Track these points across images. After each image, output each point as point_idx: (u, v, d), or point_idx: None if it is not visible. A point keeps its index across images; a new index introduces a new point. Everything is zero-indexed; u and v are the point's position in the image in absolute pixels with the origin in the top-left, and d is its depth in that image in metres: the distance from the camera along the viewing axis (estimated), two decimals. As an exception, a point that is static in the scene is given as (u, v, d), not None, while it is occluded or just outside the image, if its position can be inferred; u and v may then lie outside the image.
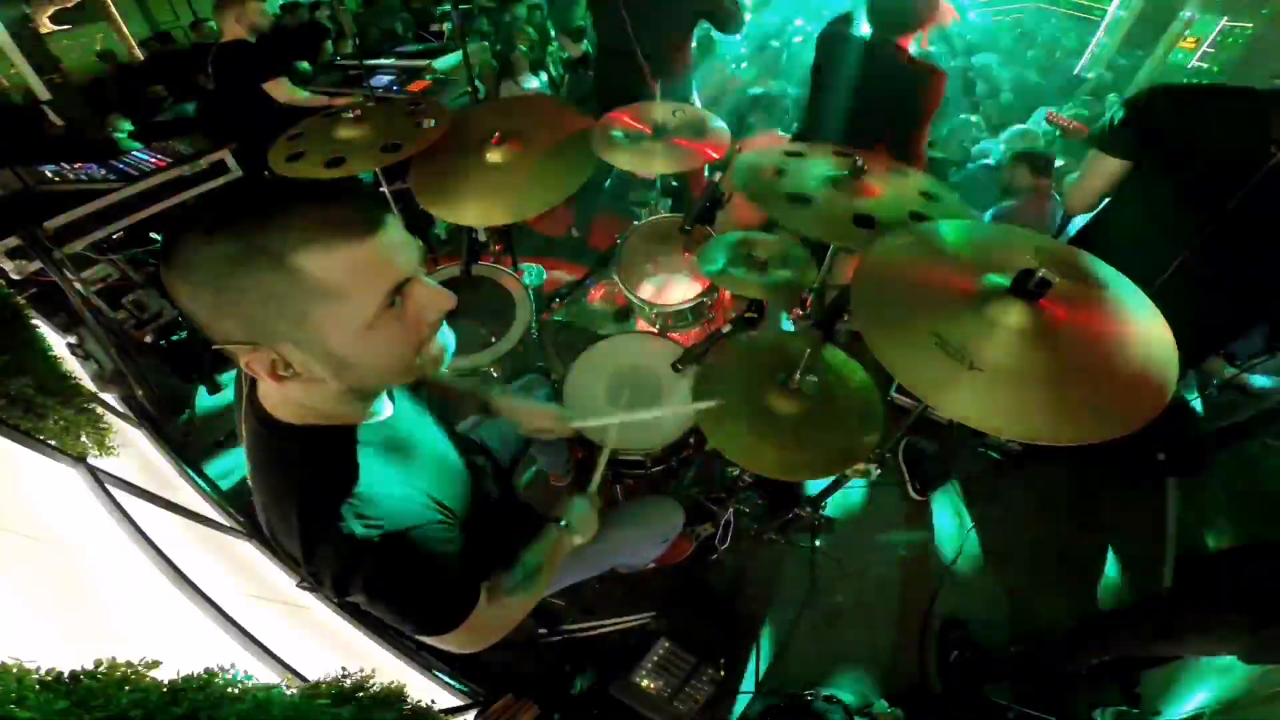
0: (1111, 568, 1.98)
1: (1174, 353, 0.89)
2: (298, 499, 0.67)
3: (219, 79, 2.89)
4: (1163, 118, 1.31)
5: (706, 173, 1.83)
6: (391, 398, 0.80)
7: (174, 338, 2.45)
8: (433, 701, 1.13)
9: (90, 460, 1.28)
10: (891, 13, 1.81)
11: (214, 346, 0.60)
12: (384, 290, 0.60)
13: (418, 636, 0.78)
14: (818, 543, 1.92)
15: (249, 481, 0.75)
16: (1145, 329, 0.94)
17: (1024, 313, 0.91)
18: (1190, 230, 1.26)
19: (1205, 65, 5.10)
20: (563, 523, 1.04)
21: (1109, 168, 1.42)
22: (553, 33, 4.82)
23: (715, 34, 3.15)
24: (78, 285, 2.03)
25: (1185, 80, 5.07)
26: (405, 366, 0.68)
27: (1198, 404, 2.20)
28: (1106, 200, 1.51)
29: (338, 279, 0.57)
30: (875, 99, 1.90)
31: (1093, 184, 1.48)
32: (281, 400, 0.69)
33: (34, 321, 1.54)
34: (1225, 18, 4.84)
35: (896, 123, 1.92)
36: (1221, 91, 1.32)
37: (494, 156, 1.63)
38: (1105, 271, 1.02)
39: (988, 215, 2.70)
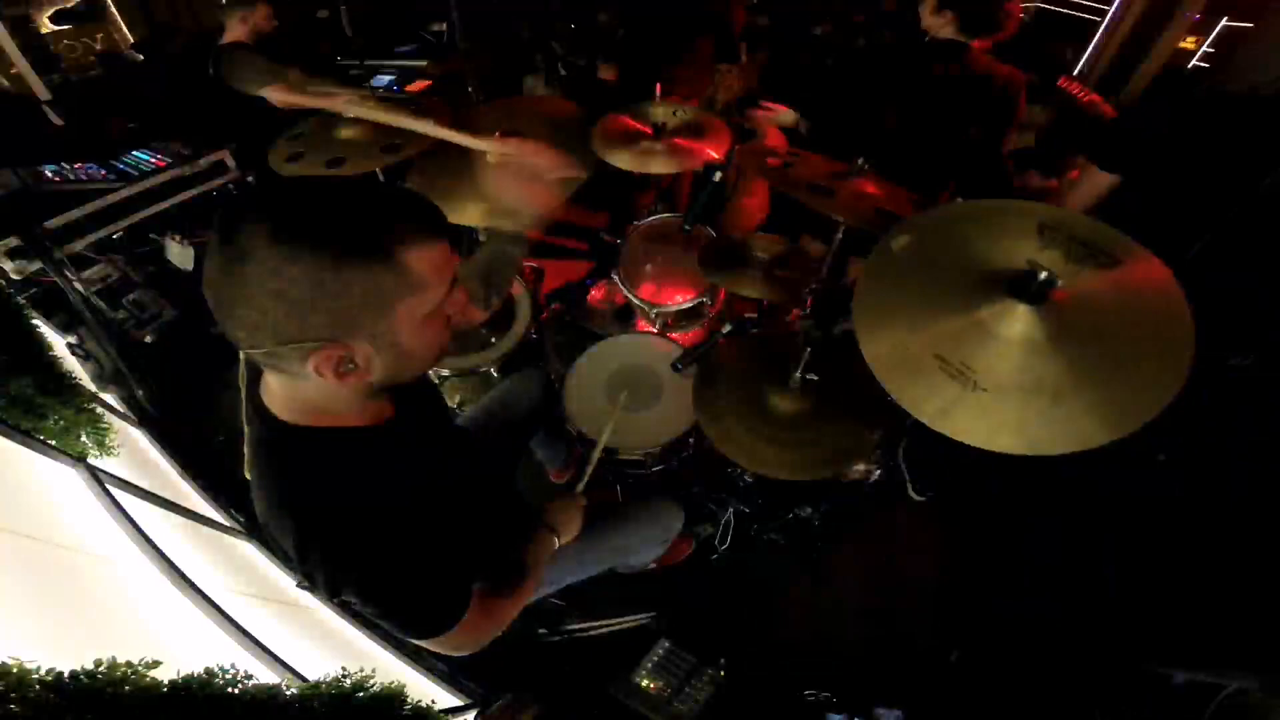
0: (1112, 567, 1.97)
1: (1189, 327, 0.84)
2: (295, 499, 0.67)
3: (218, 79, 2.89)
4: (1153, 131, 1.30)
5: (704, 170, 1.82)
6: (393, 400, 0.79)
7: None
8: (433, 701, 1.13)
9: (90, 460, 1.28)
10: (981, 15, 1.69)
11: (259, 350, 0.58)
12: (449, 280, 0.65)
13: (410, 639, 0.78)
14: (818, 543, 1.92)
15: (249, 478, 0.75)
16: (1159, 304, 0.89)
17: (1027, 318, 0.89)
18: (1190, 240, 1.25)
19: (1205, 65, 5.09)
20: (545, 524, 1.05)
21: (1103, 178, 1.42)
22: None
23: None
24: (78, 285, 2.03)
25: (1184, 81, 5.06)
26: (436, 357, 0.71)
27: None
28: (1107, 203, 1.50)
29: (426, 272, 0.61)
30: (954, 109, 1.79)
31: (1089, 192, 1.47)
32: (288, 400, 0.69)
33: (34, 321, 1.54)
34: (1225, 18, 4.84)
35: (984, 134, 1.82)
36: (1213, 101, 1.31)
37: (494, 157, 1.63)
38: (1118, 240, 0.97)
39: None
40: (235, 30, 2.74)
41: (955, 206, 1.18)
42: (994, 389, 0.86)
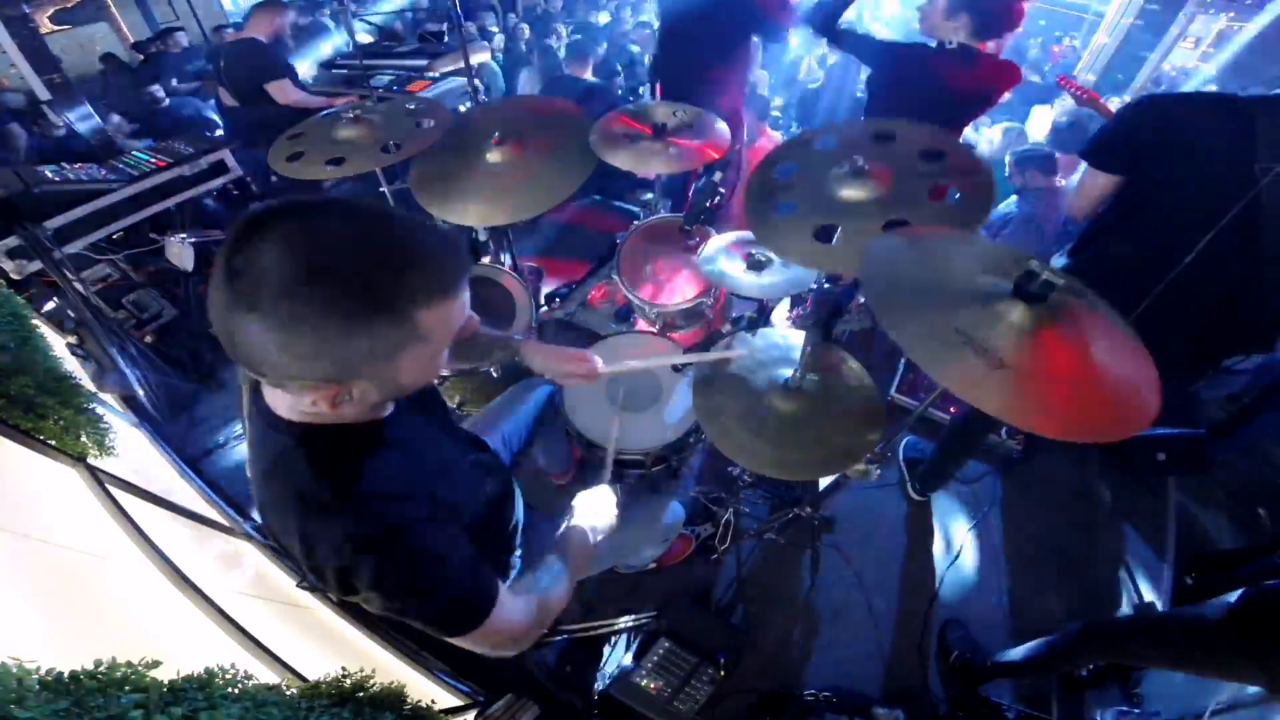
0: (1112, 567, 1.98)
1: (1154, 374, 0.90)
2: (301, 496, 0.67)
3: (226, 73, 2.92)
4: (1148, 132, 1.30)
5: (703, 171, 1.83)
6: (398, 401, 0.80)
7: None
8: (433, 701, 1.13)
9: (90, 460, 1.28)
10: (997, 15, 1.76)
11: (262, 376, 0.60)
12: (458, 327, 0.66)
13: (447, 638, 0.77)
14: (818, 543, 1.92)
15: (250, 478, 0.75)
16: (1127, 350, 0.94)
17: (1027, 316, 0.90)
18: (1186, 242, 1.26)
19: (1204, 65, 5.10)
20: (580, 519, 1.05)
21: (1101, 179, 1.42)
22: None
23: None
24: (78, 285, 2.03)
25: (1183, 82, 5.06)
26: (434, 377, 0.74)
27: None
28: (1106, 204, 1.50)
29: (435, 327, 0.62)
30: (954, 102, 1.88)
31: (1089, 193, 1.47)
32: (290, 403, 0.69)
33: (34, 321, 1.54)
34: (1225, 17, 4.84)
35: (962, 120, 1.96)
36: (1207, 101, 1.31)
37: (494, 156, 1.63)
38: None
39: (995, 215, 2.72)
40: (260, 26, 2.78)
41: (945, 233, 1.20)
42: (1016, 367, 0.87)
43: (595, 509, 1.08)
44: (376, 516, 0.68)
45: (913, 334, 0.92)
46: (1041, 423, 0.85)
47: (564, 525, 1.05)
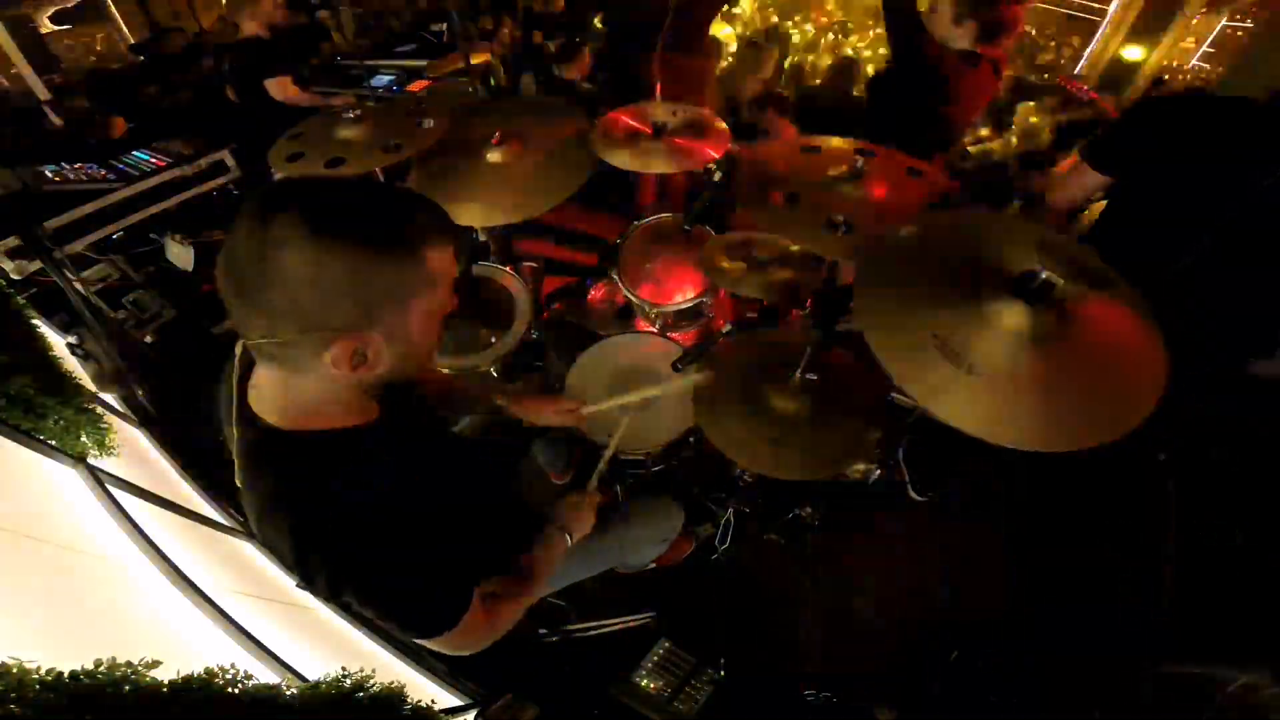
0: (1113, 568, 1.97)
1: (1162, 354, 0.89)
2: (289, 503, 0.67)
3: (236, 77, 2.91)
4: (1149, 134, 1.30)
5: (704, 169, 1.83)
6: (379, 402, 0.79)
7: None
8: (433, 701, 1.13)
9: (90, 460, 1.28)
10: (999, 22, 1.81)
11: (275, 340, 0.61)
12: (453, 279, 0.70)
13: (411, 639, 0.78)
14: (818, 543, 1.92)
15: (239, 484, 0.74)
16: (1141, 328, 0.93)
17: (1024, 315, 0.90)
18: (1185, 245, 1.25)
19: (1205, 65, 5.09)
20: (559, 521, 1.04)
21: (1092, 179, 1.42)
22: None
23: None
24: (78, 285, 2.03)
25: (1184, 82, 5.05)
26: (431, 356, 0.76)
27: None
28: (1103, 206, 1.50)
29: (438, 270, 0.66)
30: (960, 103, 1.96)
31: (1073, 191, 1.48)
32: (279, 402, 0.69)
33: (34, 321, 1.54)
34: (1225, 18, 4.84)
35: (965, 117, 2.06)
36: (1208, 104, 1.31)
37: (494, 156, 1.63)
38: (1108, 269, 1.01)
39: None
40: (249, 26, 2.77)
41: (963, 214, 1.19)
42: (989, 374, 0.87)
43: (575, 515, 1.08)
44: (364, 524, 0.68)
45: (883, 331, 0.92)
46: (1005, 432, 0.86)
47: (541, 531, 1.04)
